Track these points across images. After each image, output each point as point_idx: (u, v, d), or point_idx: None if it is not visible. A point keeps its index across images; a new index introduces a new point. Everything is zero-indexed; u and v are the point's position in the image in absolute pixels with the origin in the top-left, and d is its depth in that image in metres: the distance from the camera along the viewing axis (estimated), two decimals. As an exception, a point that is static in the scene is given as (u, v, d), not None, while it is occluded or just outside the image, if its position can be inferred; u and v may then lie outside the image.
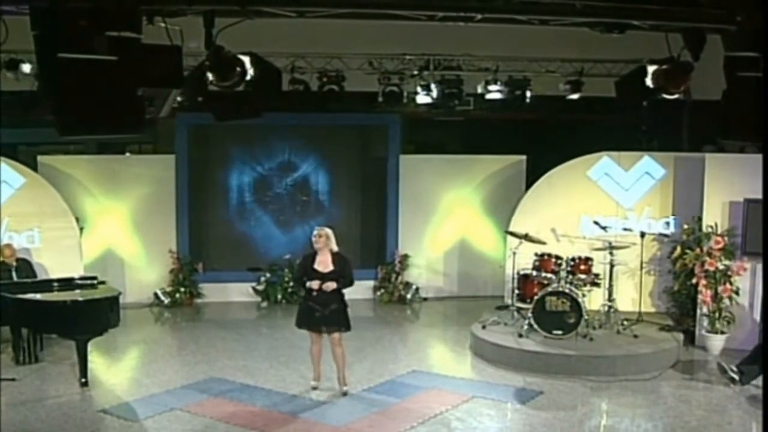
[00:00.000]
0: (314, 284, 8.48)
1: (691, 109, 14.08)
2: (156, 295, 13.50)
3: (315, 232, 8.68)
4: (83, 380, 9.05)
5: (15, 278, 10.43)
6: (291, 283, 13.58)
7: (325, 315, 8.57)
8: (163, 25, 3.75)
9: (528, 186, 13.40)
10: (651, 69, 6.00)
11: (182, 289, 13.51)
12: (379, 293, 14.00)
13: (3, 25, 3.49)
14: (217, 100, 5.89)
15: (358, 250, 13.51)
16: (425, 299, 14.13)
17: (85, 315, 9.05)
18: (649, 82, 6.03)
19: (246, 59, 5.68)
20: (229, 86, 5.66)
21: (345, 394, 8.81)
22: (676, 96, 6.15)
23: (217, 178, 14.11)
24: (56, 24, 3.37)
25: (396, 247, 14.16)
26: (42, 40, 3.37)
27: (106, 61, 3.44)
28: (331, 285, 8.48)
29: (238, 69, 5.60)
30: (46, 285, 9.77)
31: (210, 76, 5.54)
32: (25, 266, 10.81)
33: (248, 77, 5.73)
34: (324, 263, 8.59)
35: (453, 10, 6.55)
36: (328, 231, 8.69)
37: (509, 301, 11.69)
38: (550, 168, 12.91)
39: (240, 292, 13.91)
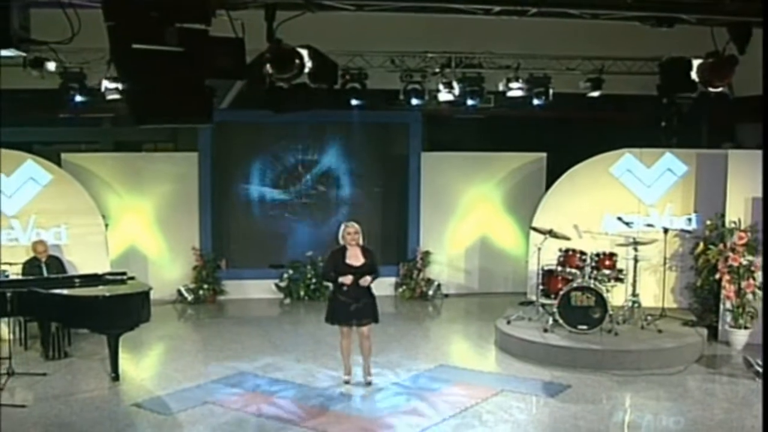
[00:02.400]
0: (347, 279, 8.56)
1: (711, 106, 14.18)
2: (179, 291, 13.59)
3: (347, 229, 8.73)
4: (114, 375, 9.13)
5: (45, 274, 10.51)
6: (314, 280, 13.67)
7: (359, 308, 8.68)
8: (225, 18, 3.84)
9: (548, 184, 13.46)
10: (696, 63, 6.04)
11: (205, 286, 13.59)
12: (400, 290, 14.07)
13: (77, 17, 3.58)
14: (275, 94, 5.97)
15: (379, 246, 13.39)
16: (446, 296, 14.20)
17: (117, 310, 9.12)
18: (694, 75, 6.07)
19: (304, 52, 5.76)
20: (287, 79, 5.74)
21: (369, 384, 8.97)
22: (719, 89, 6.21)
23: (239, 175, 14.16)
24: (130, 15, 3.44)
25: (417, 243, 14.24)
26: (116, 32, 3.44)
27: (175, 52, 3.51)
28: (368, 279, 8.63)
29: (297, 61, 5.67)
30: (77, 281, 9.84)
31: (269, 68, 5.61)
32: (56, 263, 10.90)
33: (306, 70, 5.80)
34: (355, 257, 8.69)
35: (509, 4, 6.65)
36: (357, 226, 8.79)
37: (531, 298, 11.78)
38: (570, 165, 12.97)
39: (263, 289, 13.99)
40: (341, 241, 8.76)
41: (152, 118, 3.49)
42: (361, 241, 8.78)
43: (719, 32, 5.68)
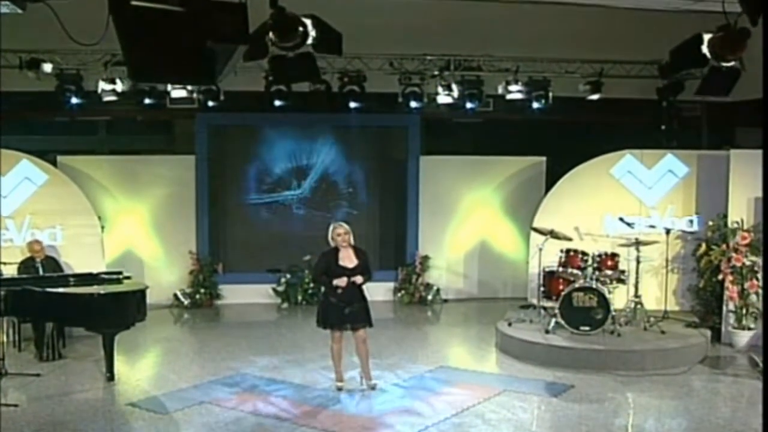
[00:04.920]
0: (342, 281, 8.32)
1: (709, 110, 14.17)
2: (176, 296, 13.43)
3: (336, 230, 8.47)
4: (109, 375, 8.98)
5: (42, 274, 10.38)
6: (311, 285, 13.53)
7: (353, 312, 8.43)
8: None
9: (548, 188, 13.35)
10: (707, 37, 5.96)
11: (202, 290, 13.45)
12: (399, 295, 13.91)
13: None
14: (277, 63, 5.88)
15: (377, 251, 13.42)
16: (446, 301, 14.04)
17: (112, 308, 9.01)
18: (705, 50, 5.98)
19: (308, 21, 5.66)
20: (290, 47, 5.64)
21: (373, 388, 8.72)
22: (732, 63, 6.11)
23: (236, 179, 14.07)
24: (129, -29, 3.34)
25: (416, 248, 14.10)
26: (114, -11, 3.34)
27: (175, 12, 3.41)
28: (359, 278, 8.38)
29: (300, 29, 5.58)
30: (72, 279, 9.70)
31: (272, 36, 5.51)
32: (52, 264, 10.76)
33: (310, 40, 5.71)
34: (348, 258, 8.44)
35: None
36: (347, 226, 8.56)
37: (532, 301, 11.67)
38: (570, 169, 12.88)
39: (260, 294, 13.81)
40: (331, 243, 8.51)
41: (152, 76, 3.38)
42: (352, 241, 8.53)
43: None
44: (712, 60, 6.10)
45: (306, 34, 5.67)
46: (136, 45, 3.35)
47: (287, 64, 5.88)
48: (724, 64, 6.17)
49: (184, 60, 3.45)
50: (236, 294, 13.77)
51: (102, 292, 9.06)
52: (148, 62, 3.37)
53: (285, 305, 13.67)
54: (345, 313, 8.41)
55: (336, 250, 8.47)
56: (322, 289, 8.79)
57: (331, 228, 8.57)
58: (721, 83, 6.48)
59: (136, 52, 3.34)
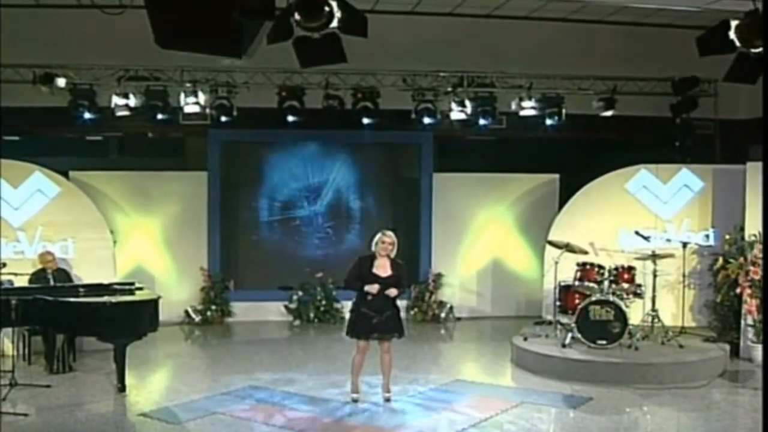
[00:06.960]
0: (373, 288, 8.19)
1: (722, 127, 14.09)
2: (187, 312, 13.33)
3: (383, 237, 8.38)
4: (120, 386, 8.87)
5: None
6: (324, 302, 13.45)
7: (381, 321, 8.28)
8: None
9: (561, 205, 13.26)
10: (734, 23, 5.91)
11: (213, 307, 13.33)
12: (412, 312, 13.77)
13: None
14: (302, 44, 5.84)
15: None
16: (459, 319, 13.89)
17: (124, 318, 8.92)
18: (732, 35, 5.92)
19: (333, 2, 5.63)
20: (315, 28, 5.59)
21: (388, 400, 8.57)
22: (759, 50, 6.02)
23: (248, 195, 14.04)
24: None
25: (429, 265, 14.00)
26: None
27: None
28: (393, 291, 8.25)
29: (326, 10, 5.54)
30: (84, 290, 9.61)
31: (297, 16, 5.47)
32: (63, 275, 10.68)
33: (335, 21, 5.66)
34: (384, 267, 8.32)
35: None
36: (395, 237, 8.46)
37: (547, 317, 11.56)
38: (583, 186, 12.80)
39: (272, 311, 13.72)
40: (373, 248, 8.41)
41: (177, 44, 3.33)
42: (393, 254, 8.42)
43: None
44: (740, 47, 6.04)
45: (331, 14, 5.63)
46: (162, 12, 3.31)
47: (312, 46, 5.84)
48: (753, 51, 6.10)
49: (211, 30, 3.41)
50: (248, 311, 13.65)
51: (114, 301, 8.97)
52: (174, 30, 3.33)
53: (297, 323, 13.54)
54: (373, 322, 8.28)
55: (373, 257, 8.37)
56: (354, 297, 8.52)
57: (378, 234, 8.47)
58: (749, 70, 6.40)
59: (163, 20, 3.30)
